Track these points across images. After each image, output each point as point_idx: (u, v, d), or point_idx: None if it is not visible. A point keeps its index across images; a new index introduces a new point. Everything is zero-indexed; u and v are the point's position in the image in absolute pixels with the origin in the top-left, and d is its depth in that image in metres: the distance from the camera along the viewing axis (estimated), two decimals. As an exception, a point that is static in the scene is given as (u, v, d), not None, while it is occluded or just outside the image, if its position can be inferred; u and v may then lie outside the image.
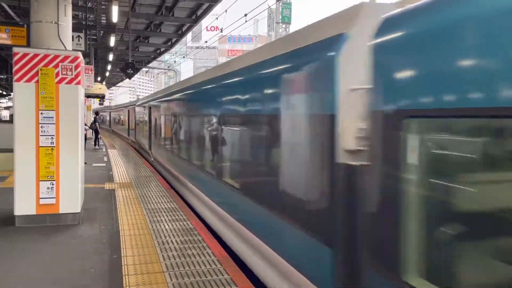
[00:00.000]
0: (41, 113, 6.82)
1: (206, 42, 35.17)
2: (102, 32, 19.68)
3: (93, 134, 22.70)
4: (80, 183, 7.32)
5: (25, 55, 6.79)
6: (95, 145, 22.16)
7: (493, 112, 1.89)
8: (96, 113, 27.33)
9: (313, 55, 3.65)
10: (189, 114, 9.41)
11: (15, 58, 6.75)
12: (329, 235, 3.25)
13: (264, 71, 4.76)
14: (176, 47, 31.38)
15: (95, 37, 20.09)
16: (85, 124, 15.09)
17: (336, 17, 3.71)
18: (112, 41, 19.68)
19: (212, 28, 52.45)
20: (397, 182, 2.49)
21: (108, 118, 48.32)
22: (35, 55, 6.82)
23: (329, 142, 3.19)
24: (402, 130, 2.45)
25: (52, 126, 6.87)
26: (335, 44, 3.25)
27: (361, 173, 2.87)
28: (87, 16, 15.85)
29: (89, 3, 15.57)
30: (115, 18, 14.81)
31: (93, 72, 17.83)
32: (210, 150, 7.34)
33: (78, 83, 7.03)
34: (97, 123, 22.77)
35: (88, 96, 24.46)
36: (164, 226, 6.96)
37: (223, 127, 6.40)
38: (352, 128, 2.99)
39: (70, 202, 7.07)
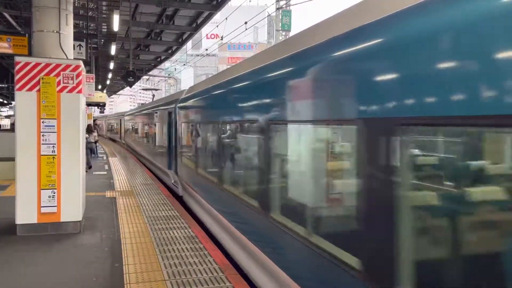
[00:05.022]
0: (42, 122, 6.83)
1: (206, 49, 35.31)
2: (103, 40, 19.77)
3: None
4: (81, 192, 7.32)
5: (26, 64, 6.83)
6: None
7: None
8: (94, 120, 27.41)
9: None
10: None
11: (17, 67, 6.78)
12: None
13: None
14: (177, 55, 31.51)
15: (96, 46, 20.16)
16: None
17: None
18: (113, 49, 19.77)
19: (212, 36, 52.65)
20: None
21: (118, 126, 35.48)
22: (37, 64, 6.86)
23: None
24: None
25: (54, 135, 6.89)
26: None
27: None
28: (88, 25, 15.93)
29: (90, 12, 15.67)
30: (116, 26, 14.90)
31: (94, 80, 17.88)
32: None
33: (80, 91, 7.06)
34: (95, 130, 22.79)
35: (89, 104, 24.49)
36: (166, 234, 6.94)
37: None
38: None
39: (72, 210, 7.07)
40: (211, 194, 7.40)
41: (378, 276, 2.61)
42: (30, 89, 6.80)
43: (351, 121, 2.89)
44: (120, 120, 32.90)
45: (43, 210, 6.88)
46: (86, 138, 15.93)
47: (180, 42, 23.93)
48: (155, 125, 15.82)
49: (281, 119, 4.18)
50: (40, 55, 7.45)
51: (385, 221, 2.51)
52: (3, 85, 27.69)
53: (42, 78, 6.83)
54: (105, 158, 21.20)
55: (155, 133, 15.80)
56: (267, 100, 4.60)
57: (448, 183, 2.42)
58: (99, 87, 34.76)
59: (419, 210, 2.45)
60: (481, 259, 2.14)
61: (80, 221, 7.15)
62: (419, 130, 2.39)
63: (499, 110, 1.86)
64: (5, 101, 38.98)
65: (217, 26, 24.07)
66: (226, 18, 21.87)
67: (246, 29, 21.29)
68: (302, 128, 3.85)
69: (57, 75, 6.92)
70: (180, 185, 10.93)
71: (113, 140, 38.79)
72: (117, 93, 68.57)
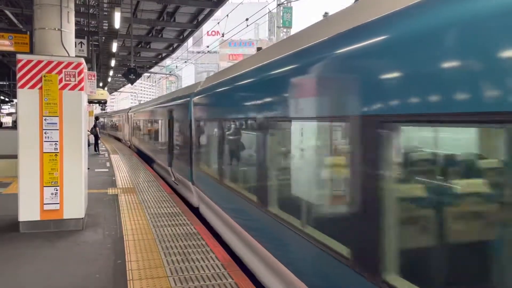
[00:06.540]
0: (44, 119, 6.85)
1: (207, 46, 35.30)
2: (104, 38, 19.78)
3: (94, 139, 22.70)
4: (84, 189, 7.35)
5: (28, 61, 6.84)
6: (95, 150, 22.17)
7: None
8: (96, 118, 27.48)
9: None
10: None
11: (19, 65, 6.79)
12: None
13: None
14: (178, 52, 31.50)
15: (97, 43, 20.19)
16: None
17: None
18: (114, 46, 19.80)
19: (213, 33, 52.61)
20: None
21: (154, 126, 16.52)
22: (39, 62, 6.86)
23: None
24: None
25: (56, 132, 6.90)
26: None
27: None
28: (90, 22, 15.94)
29: (91, 10, 15.67)
30: (117, 24, 14.89)
31: (95, 78, 17.89)
32: None
33: (81, 89, 7.07)
34: (97, 128, 22.84)
35: (90, 101, 24.53)
36: (168, 231, 6.97)
37: None
38: None
39: (74, 207, 7.09)
40: None
41: None
42: (32, 87, 6.81)
43: None
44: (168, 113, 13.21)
45: (45, 207, 6.91)
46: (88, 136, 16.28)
47: (181, 39, 23.93)
48: None
49: None
50: (41, 53, 7.46)
51: None
52: (5, 83, 27.74)
53: (44, 76, 6.84)
54: (106, 155, 21.24)
55: None
56: None
57: None
58: (100, 84, 34.81)
59: None
60: None
61: (82, 218, 7.18)
62: None
63: None
64: (6, 99, 39.06)
65: (218, 23, 24.02)
66: (227, 15, 21.80)
67: (247, 26, 21.27)
68: None
69: (59, 72, 6.92)
70: None
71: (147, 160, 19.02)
72: (118, 90, 68.61)
